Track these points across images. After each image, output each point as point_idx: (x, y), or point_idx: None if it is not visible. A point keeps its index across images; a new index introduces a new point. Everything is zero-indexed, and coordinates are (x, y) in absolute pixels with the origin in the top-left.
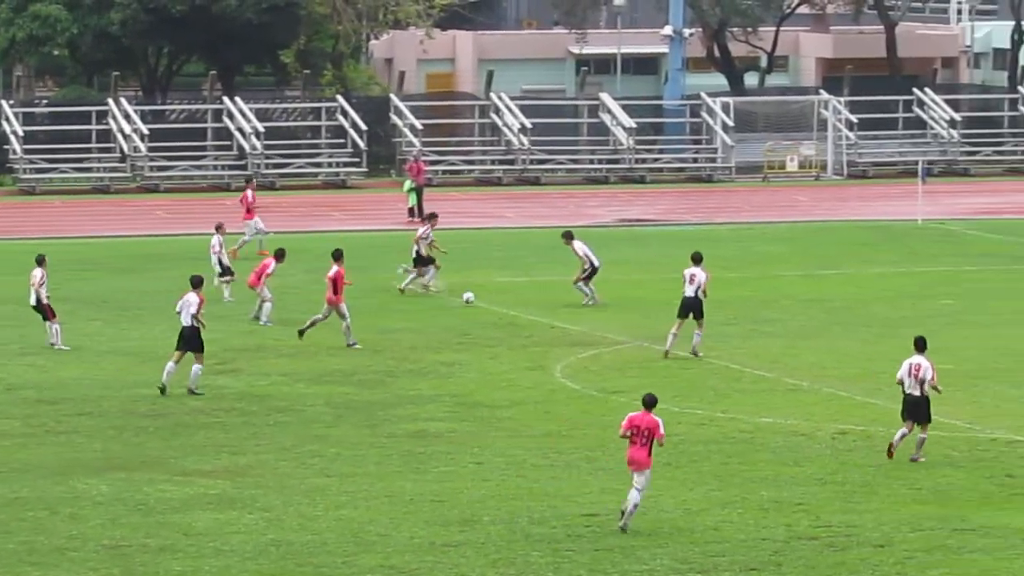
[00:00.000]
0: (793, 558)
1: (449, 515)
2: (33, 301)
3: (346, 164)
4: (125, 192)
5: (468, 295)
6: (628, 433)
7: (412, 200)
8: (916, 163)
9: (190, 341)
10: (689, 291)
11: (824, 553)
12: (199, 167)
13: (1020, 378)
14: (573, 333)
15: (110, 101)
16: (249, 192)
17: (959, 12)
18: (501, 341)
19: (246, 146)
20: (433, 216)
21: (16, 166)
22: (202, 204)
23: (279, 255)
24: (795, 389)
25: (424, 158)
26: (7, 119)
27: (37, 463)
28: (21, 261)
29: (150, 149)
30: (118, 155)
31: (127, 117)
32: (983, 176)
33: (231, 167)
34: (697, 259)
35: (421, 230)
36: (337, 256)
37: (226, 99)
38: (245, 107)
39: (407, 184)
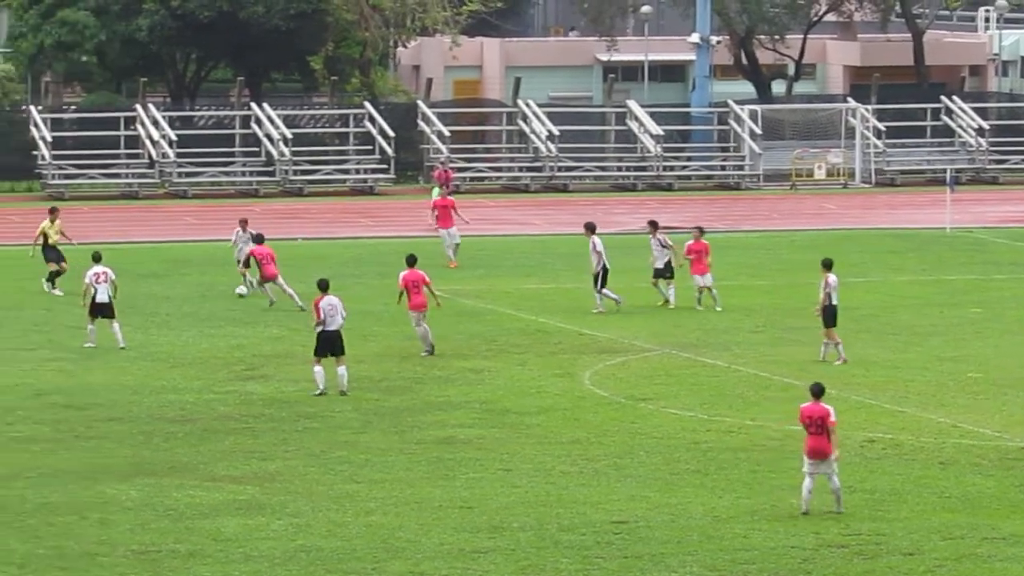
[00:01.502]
0: (822, 566)
1: (478, 521)
2: (105, 297)
3: (374, 171)
4: (153, 198)
5: (241, 288)
6: (806, 424)
7: None
8: (944, 171)
9: (336, 344)
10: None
11: (853, 561)
12: (227, 173)
13: None
14: (601, 340)
15: (138, 107)
16: None
17: (987, 20)
18: (529, 348)
19: (274, 152)
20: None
21: (44, 172)
22: (230, 210)
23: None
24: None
25: (451, 165)
26: (35, 125)
27: (66, 468)
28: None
29: (178, 155)
30: (146, 161)
31: (155, 123)
32: (1012, 184)
33: (259, 173)
34: (828, 265)
35: None
36: (411, 261)
37: (254, 105)
38: (273, 113)
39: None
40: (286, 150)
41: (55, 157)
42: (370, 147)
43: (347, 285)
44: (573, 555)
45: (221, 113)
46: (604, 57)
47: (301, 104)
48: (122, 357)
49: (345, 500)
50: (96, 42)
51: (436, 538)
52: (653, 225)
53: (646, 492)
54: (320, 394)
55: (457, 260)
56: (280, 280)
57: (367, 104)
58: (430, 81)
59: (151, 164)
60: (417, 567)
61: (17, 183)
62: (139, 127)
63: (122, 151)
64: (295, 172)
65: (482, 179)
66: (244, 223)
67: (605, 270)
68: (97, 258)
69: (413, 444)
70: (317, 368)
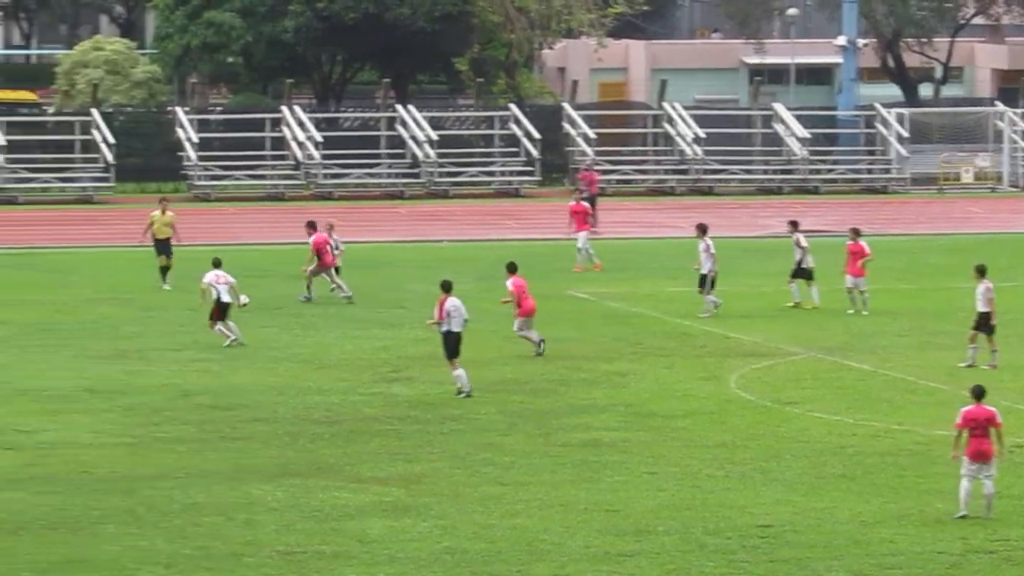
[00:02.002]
0: (969, 572)
1: (623, 525)
2: (228, 298)
3: (519, 173)
4: (298, 199)
5: (243, 298)
6: (964, 430)
7: None
8: None
9: (456, 346)
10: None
11: (1002, 567)
12: (372, 175)
13: None
14: (747, 343)
15: (284, 108)
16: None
17: None
18: (674, 351)
19: (419, 154)
20: None
21: (191, 173)
22: (375, 211)
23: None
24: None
25: (596, 167)
26: (182, 126)
27: (212, 469)
28: (195, 267)
29: (324, 157)
30: (292, 162)
31: (301, 124)
32: None
33: (404, 175)
34: (982, 271)
35: None
36: (512, 269)
37: (399, 107)
38: (418, 115)
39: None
40: (431, 152)
41: (201, 158)
42: (515, 149)
43: (493, 287)
44: (718, 559)
45: (367, 115)
46: (750, 60)
47: (446, 106)
48: (267, 358)
49: (490, 502)
50: (242, 43)
51: (581, 541)
52: (794, 225)
53: (792, 496)
54: (466, 395)
55: (582, 265)
56: (333, 271)
57: (512, 106)
58: (575, 83)
59: (297, 166)
60: (562, 570)
61: (164, 184)
62: (285, 129)
63: (268, 152)
64: (440, 174)
65: (628, 182)
66: (331, 228)
67: (711, 274)
68: (217, 263)
69: (558, 447)
70: (456, 372)
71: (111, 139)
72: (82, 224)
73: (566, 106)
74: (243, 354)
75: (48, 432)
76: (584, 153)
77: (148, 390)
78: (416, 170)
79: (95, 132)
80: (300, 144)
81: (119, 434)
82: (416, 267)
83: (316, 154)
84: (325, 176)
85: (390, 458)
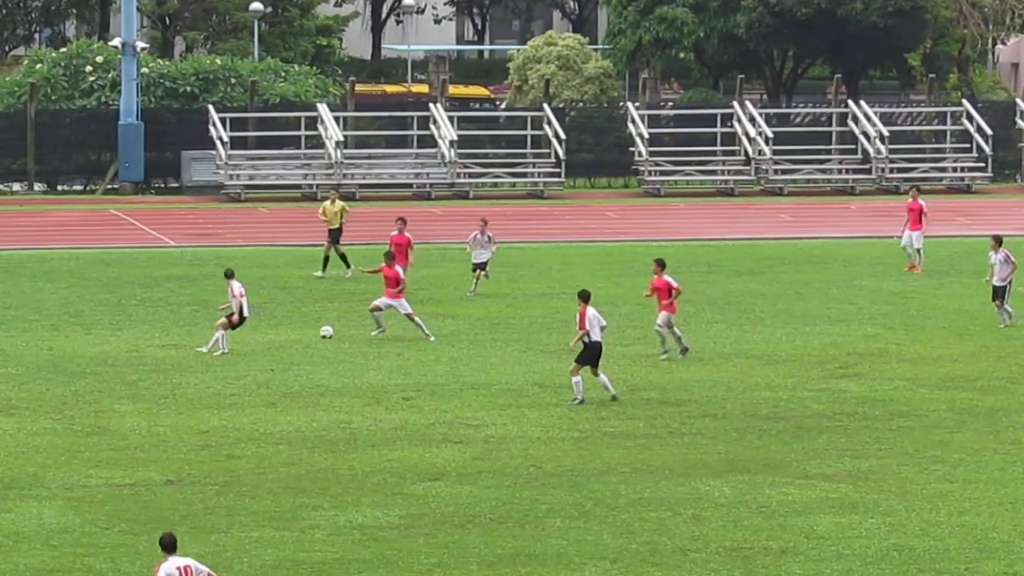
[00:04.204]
0: None
1: None
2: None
3: (971, 169)
4: (748, 195)
5: (326, 329)
6: None
7: None
8: None
9: (597, 356)
10: None
11: None
12: (823, 171)
13: None
14: None
15: (735, 104)
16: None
17: None
18: None
19: (870, 150)
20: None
21: (641, 168)
22: (825, 207)
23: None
24: None
25: None
26: (633, 121)
27: (660, 464)
28: (643, 262)
29: (774, 152)
30: (742, 158)
31: (752, 120)
32: None
33: (855, 171)
34: None
35: None
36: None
37: (850, 102)
38: (869, 110)
39: None
40: (883, 148)
41: (652, 154)
42: (967, 145)
43: (945, 283)
44: None
45: (818, 110)
46: None
47: (898, 102)
48: (716, 354)
49: (938, 499)
50: (694, 39)
51: None
52: None
53: None
54: (579, 402)
55: (921, 266)
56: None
57: (965, 102)
58: None
59: (747, 161)
60: (1011, 568)
61: (614, 179)
62: (736, 124)
63: (718, 148)
64: (891, 170)
65: None
66: (484, 224)
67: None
68: (230, 275)
69: (1008, 444)
70: (575, 378)
71: (562, 134)
72: (533, 219)
73: (1019, 102)
74: (693, 349)
75: (497, 426)
76: None
77: (595, 386)
78: (867, 166)
79: (546, 127)
80: (751, 139)
81: (567, 428)
82: (867, 263)
83: (767, 149)
84: (775, 172)
85: (838, 454)
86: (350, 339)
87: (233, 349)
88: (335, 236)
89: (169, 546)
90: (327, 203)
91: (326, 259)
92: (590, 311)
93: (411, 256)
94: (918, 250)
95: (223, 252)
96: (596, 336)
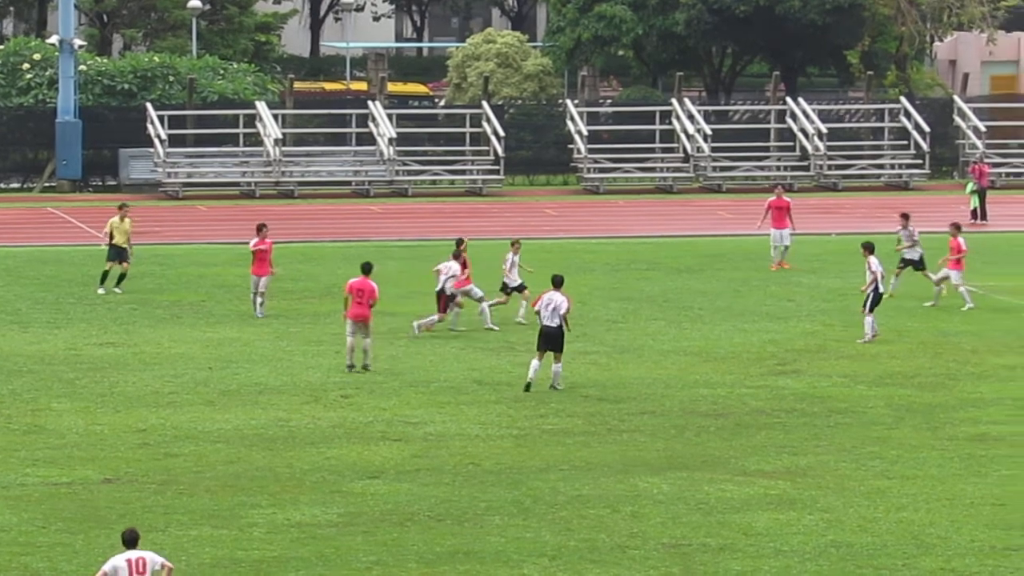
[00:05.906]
0: None
1: (1011, 519)
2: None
3: (908, 166)
4: (687, 192)
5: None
6: None
7: (974, 203)
8: None
9: (553, 341)
10: None
11: None
12: (761, 167)
13: None
14: None
15: (674, 101)
16: None
17: None
18: None
19: (809, 147)
20: (516, 242)
21: (580, 166)
22: (764, 204)
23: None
24: None
25: (987, 160)
26: (572, 119)
27: (599, 461)
28: (582, 260)
29: (713, 150)
30: (681, 155)
31: (691, 117)
32: None
33: (793, 168)
34: None
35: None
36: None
37: (789, 100)
38: (808, 108)
39: (969, 186)
40: (821, 145)
41: (591, 151)
42: (905, 142)
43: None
44: None
45: (756, 107)
46: None
47: (836, 99)
48: (656, 352)
49: (876, 496)
50: (633, 36)
51: (967, 535)
52: None
53: None
54: (527, 384)
55: (788, 262)
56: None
57: (903, 99)
58: (966, 76)
59: (686, 158)
60: (948, 564)
61: (553, 176)
62: (675, 121)
63: (657, 145)
64: (830, 167)
65: (1019, 175)
66: (516, 245)
67: None
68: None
69: (945, 440)
70: (534, 361)
71: (501, 132)
72: (472, 217)
73: (956, 99)
74: (631, 347)
75: (436, 424)
76: (974, 146)
77: (535, 382)
78: (805, 163)
79: (485, 125)
80: (690, 137)
81: (506, 426)
82: (805, 259)
83: (705, 147)
84: (714, 169)
85: (776, 451)
86: (289, 337)
87: (171, 347)
88: (119, 254)
89: (130, 541)
90: (115, 219)
91: (105, 274)
92: (547, 295)
93: (274, 266)
94: (787, 247)
95: (161, 250)
96: (546, 320)
